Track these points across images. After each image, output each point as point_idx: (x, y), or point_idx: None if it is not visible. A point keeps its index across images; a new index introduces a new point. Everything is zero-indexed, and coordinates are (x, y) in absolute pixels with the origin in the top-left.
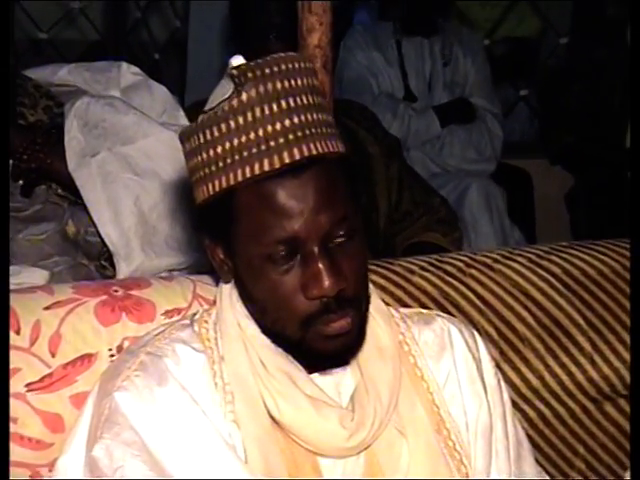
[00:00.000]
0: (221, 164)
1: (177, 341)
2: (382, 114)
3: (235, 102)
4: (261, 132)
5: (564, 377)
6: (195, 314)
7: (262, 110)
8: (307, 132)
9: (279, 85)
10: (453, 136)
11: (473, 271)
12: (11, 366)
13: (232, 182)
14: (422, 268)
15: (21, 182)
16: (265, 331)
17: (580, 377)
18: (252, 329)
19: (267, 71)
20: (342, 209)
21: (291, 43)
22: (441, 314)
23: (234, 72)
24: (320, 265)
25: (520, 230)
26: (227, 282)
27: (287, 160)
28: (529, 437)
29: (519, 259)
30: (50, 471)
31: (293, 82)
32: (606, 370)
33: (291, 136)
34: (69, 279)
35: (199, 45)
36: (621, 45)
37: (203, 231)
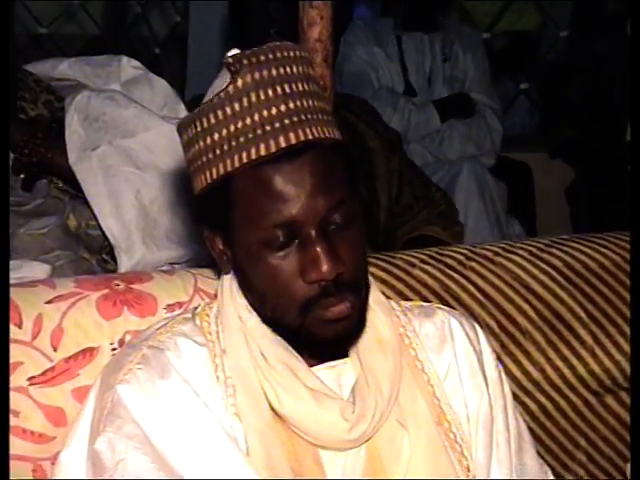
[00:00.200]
0: (218, 151)
1: (179, 334)
2: (382, 108)
3: (231, 88)
4: (257, 117)
5: (565, 370)
6: (196, 308)
7: (257, 95)
8: (303, 117)
9: (274, 72)
10: (453, 130)
11: (474, 264)
12: (13, 360)
13: (229, 168)
14: (423, 261)
15: (22, 176)
16: (265, 320)
17: (581, 370)
18: (253, 321)
19: (262, 58)
20: (339, 193)
21: (292, 38)
22: (442, 307)
23: (229, 60)
24: (318, 249)
25: (520, 223)
26: (227, 273)
27: (283, 144)
28: (530, 430)
29: (520, 252)
30: (52, 464)
31: (288, 69)
32: (607, 363)
33: (287, 121)
34: (71, 273)
35: (199, 40)
36: (621, 38)
37: (202, 222)
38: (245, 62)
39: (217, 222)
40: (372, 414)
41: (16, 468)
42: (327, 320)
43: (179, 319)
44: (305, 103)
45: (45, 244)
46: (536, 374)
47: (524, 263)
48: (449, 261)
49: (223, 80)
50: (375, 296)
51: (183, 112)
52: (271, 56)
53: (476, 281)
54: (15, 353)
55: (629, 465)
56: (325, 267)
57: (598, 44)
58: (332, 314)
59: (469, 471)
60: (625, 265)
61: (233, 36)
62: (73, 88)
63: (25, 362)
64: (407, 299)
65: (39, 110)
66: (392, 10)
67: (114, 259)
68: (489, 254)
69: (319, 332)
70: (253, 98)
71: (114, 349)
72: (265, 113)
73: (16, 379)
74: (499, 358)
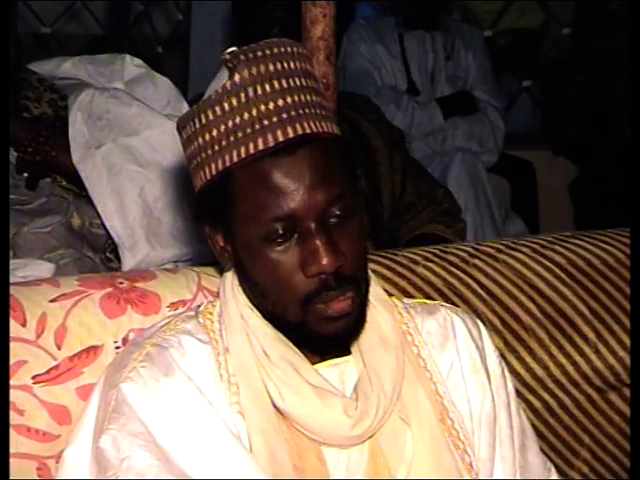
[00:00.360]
0: (217, 147)
1: (182, 332)
2: (385, 106)
3: (228, 84)
4: (255, 112)
5: (569, 367)
6: (200, 306)
7: (255, 90)
8: (300, 112)
9: (272, 67)
10: (456, 128)
11: (477, 261)
12: (18, 358)
13: (228, 163)
14: (426, 259)
15: (26, 175)
16: (267, 317)
17: (585, 366)
18: (254, 319)
19: (259, 54)
20: (338, 187)
21: (295, 36)
22: (444, 304)
23: (227, 57)
24: (317, 242)
25: (523, 221)
26: (228, 269)
27: (281, 138)
28: (534, 427)
29: (523, 249)
30: (57, 462)
31: (286, 65)
32: (611, 359)
33: (284, 115)
34: (74, 272)
35: (202, 39)
36: (623, 35)
37: (203, 219)
38: (242, 58)
39: (217, 218)
40: (375, 411)
41: (21, 466)
42: (328, 317)
43: (182, 317)
44: (302, 98)
45: (49, 243)
46: (539, 371)
47: (527, 260)
48: (452, 259)
49: (222, 78)
50: (377, 293)
51: (186, 110)
52: (268, 52)
53: (479, 278)
54: (19, 352)
55: None
56: (325, 260)
57: (600, 41)
58: (333, 311)
59: (472, 468)
60: (628, 262)
61: (236, 34)
62: (77, 87)
63: (29, 361)
64: (410, 297)
65: (43, 109)
66: (400, 10)
67: (118, 257)
68: (492, 251)
69: (320, 329)
70: (250, 93)
71: (118, 347)
72: (262, 108)
73: (20, 378)
74: (502, 355)
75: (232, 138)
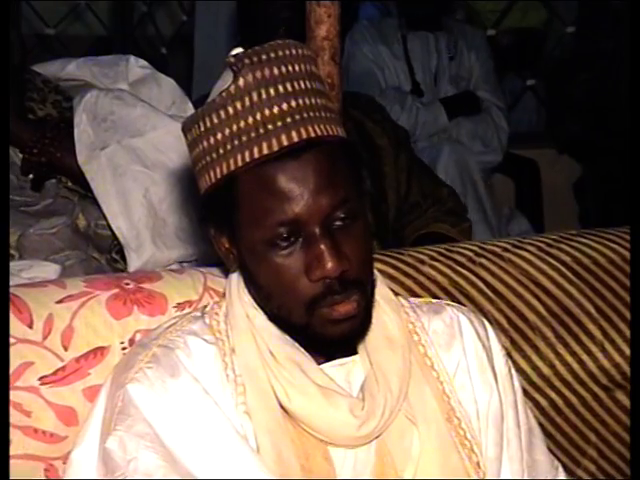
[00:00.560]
0: (221, 151)
1: (189, 333)
2: (390, 107)
3: (232, 88)
4: (259, 116)
5: (575, 365)
6: (206, 306)
7: (259, 94)
8: (305, 115)
9: (276, 70)
10: (460, 128)
11: (483, 260)
12: (24, 360)
13: (232, 167)
14: (432, 258)
15: (31, 176)
16: (272, 318)
17: (591, 365)
18: (260, 320)
19: (264, 57)
20: (343, 191)
21: (300, 36)
22: (451, 303)
23: (231, 60)
24: (322, 246)
25: (528, 219)
26: (233, 271)
27: (285, 143)
28: (541, 425)
29: (529, 248)
30: (64, 464)
31: (290, 68)
32: (617, 358)
33: (289, 119)
34: (80, 273)
35: (206, 39)
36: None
37: (208, 222)
38: (247, 61)
39: (222, 221)
40: (382, 411)
41: (28, 468)
42: (333, 320)
43: (189, 318)
44: (307, 101)
45: (55, 244)
46: (546, 370)
47: (533, 259)
48: (458, 258)
49: (226, 80)
50: (383, 293)
51: (191, 111)
52: (272, 55)
53: (485, 277)
54: (26, 353)
55: None
56: (329, 264)
57: (604, 40)
58: (338, 314)
59: (479, 467)
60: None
61: (240, 33)
62: (81, 88)
63: (36, 362)
64: (416, 296)
65: (48, 110)
66: (402, 9)
67: (124, 258)
68: (498, 250)
69: (325, 332)
70: (255, 97)
71: (124, 348)
72: (267, 112)
73: (27, 379)
74: (508, 354)
75: (237, 142)
